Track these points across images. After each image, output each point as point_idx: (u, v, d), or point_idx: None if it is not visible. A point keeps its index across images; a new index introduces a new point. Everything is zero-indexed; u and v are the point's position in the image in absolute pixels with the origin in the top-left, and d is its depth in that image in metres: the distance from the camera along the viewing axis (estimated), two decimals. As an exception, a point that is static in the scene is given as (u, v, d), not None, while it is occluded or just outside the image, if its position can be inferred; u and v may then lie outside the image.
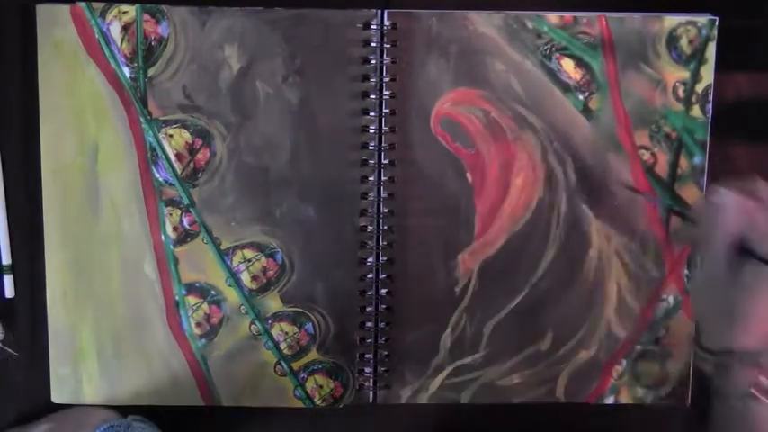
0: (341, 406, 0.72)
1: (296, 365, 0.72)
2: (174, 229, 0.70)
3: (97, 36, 0.67)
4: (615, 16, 0.69)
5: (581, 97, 0.70)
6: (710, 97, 0.70)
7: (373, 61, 0.68)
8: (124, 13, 0.67)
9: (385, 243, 0.70)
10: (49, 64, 0.67)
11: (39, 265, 0.70)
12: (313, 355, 0.71)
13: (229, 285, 0.70)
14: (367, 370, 0.72)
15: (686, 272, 0.72)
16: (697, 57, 0.69)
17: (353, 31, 0.68)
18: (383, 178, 0.69)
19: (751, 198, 0.55)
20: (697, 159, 0.71)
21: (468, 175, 0.70)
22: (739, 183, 0.57)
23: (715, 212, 0.55)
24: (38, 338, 0.71)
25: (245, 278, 0.70)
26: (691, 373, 0.73)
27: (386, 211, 0.70)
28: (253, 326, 0.71)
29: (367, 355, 0.72)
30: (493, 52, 0.69)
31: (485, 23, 0.68)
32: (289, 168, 0.69)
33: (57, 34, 0.67)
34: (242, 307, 0.71)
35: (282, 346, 0.71)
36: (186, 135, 0.69)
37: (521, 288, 0.71)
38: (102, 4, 0.67)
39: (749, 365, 0.53)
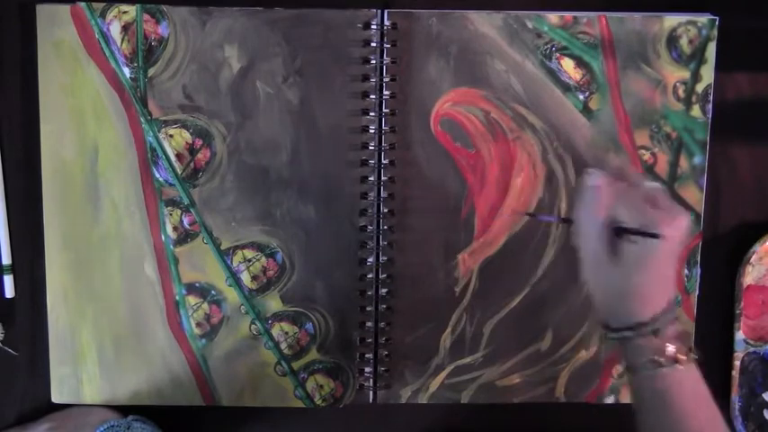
0: (341, 406, 0.72)
1: (296, 365, 0.72)
2: (174, 229, 0.70)
3: (97, 36, 0.67)
4: (615, 16, 0.69)
5: (581, 97, 0.70)
6: (710, 97, 0.70)
7: (373, 61, 0.68)
8: (124, 13, 0.67)
9: (385, 243, 0.70)
10: (49, 64, 0.67)
11: (39, 265, 0.70)
12: (313, 355, 0.71)
13: (229, 285, 0.70)
14: (367, 370, 0.72)
15: (686, 272, 0.72)
16: (697, 57, 0.69)
17: (353, 31, 0.68)
18: (383, 178, 0.69)
19: (620, 177, 0.58)
20: (697, 159, 0.71)
21: (468, 176, 0.70)
22: (611, 169, 0.60)
23: (590, 194, 0.57)
24: (38, 338, 0.71)
25: (246, 278, 0.70)
26: (691, 373, 0.73)
27: (386, 211, 0.70)
28: (253, 326, 0.71)
29: (367, 355, 0.72)
30: (493, 52, 0.69)
31: (485, 23, 0.68)
32: (289, 168, 0.69)
33: (57, 34, 0.67)
34: (242, 307, 0.71)
35: (282, 346, 0.71)
36: (186, 135, 0.69)
37: (521, 288, 0.71)
38: (102, 4, 0.67)
39: (648, 335, 0.56)
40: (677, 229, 0.56)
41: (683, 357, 0.56)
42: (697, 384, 0.57)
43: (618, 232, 0.56)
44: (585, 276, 0.59)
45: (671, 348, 0.56)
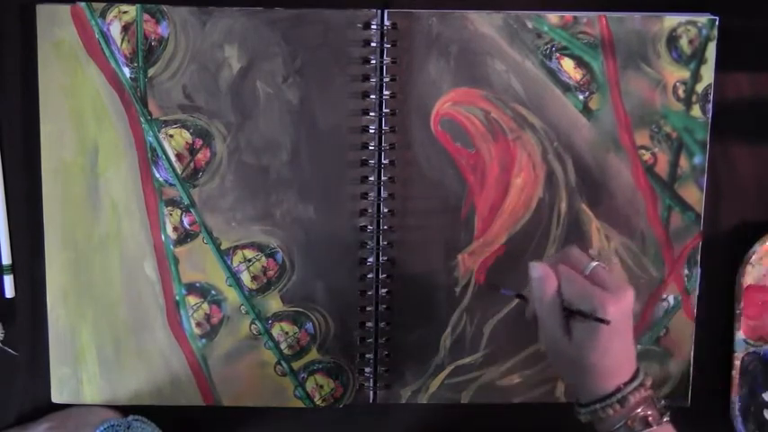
0: (341, 406, 0.73)
1: (296, 365, 0.72)
2: (175, 229, 0.70)
3: (97, 36, 0.67)
4: (615, 16, 0.69)
5: (581, 97, 0.70)
6: (710, 97, 0.70)
7: (373, 61, 0.68)
8: (124, 13, 0.67)
9: (385, 243, 0.70)
10: (49, 64, 0.67)
11: (39, 265, 0.70)
12: (313, 354, 0.71)
13: (230, 285, 0.70)
14: (367, 370, 0.72)
15: (686, 272, 0.72)
16: (697, 57, 0.69)
17: (353, 31, 0.68)
18: (383, 178, 0.69)
19: (561, 265, 0.61)
20: (697, 159, 0.71)
21: (469, 175, 0.70)
22: (555, 255, 0.65)
23: (536, 285, 0.60)
24: (38, 338, 0.71)
25: (246, 278, 0.70)
26: (691, 373, 0.73)
27: (386, 211, 0.70)
28: (253, 326, 0.71)
29: (367, 355, 0.72)
30: (493, 52, 0.69)
31: (485, 23, 0.68)
32: (289, 168, 0.69)
33: (57, 34, 0.67)
34: (242, 307, 0.71)
35: (282, 346, 0.71)
36: (186, 135, 0.69)
37: (521, 288, 0.71)
38: (103, 4, 0.67)
39: (615, 405, 0.59)
40: (623, 308, 0.58)
41: (655, 418, 0.59)
42: None
43: (568, 314, 0.59)
44: (549, 359, 0.62)
45: (641, 412, 0.58)
